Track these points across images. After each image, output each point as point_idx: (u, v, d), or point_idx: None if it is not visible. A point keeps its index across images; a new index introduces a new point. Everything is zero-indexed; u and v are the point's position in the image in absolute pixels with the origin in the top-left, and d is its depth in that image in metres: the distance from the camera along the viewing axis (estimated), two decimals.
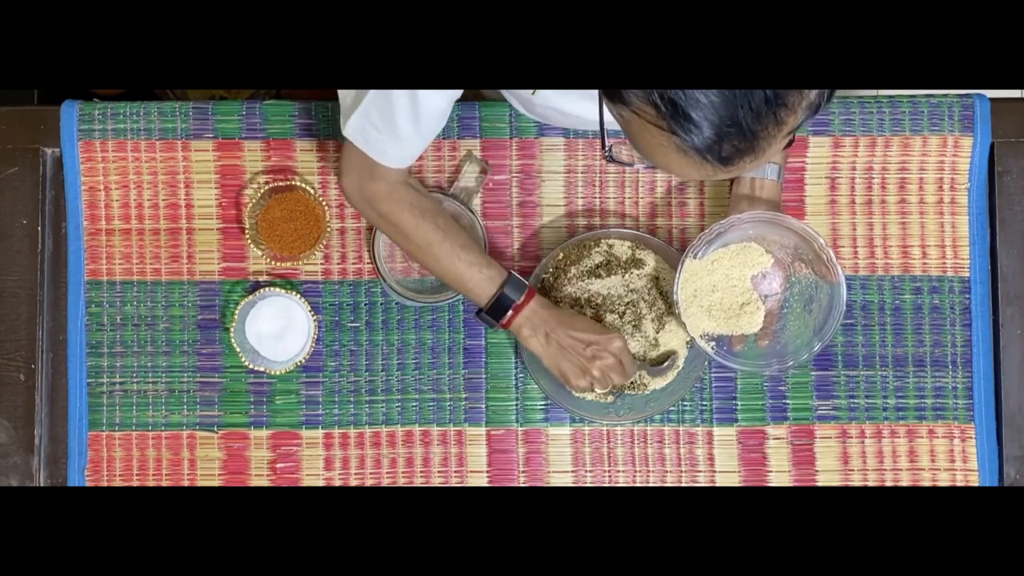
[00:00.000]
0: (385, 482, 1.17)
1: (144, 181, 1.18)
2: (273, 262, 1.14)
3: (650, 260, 1.15)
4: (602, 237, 1.15)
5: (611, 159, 0.90)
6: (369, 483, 1.17)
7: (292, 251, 1.15)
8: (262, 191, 1.13)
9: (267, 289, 1.15)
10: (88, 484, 1.16)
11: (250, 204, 1.13)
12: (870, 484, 1.18)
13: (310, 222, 1.14)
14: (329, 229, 1.15)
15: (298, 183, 1.13)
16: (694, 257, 1.09)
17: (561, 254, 1.14)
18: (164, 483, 1.17)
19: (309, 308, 1.15)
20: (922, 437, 1.18)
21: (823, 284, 1.10)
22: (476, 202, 1.18)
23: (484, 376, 1.18)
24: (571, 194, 1.19)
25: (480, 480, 1.17)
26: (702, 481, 1.18)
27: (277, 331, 1.14)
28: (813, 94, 0.78)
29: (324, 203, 1.14)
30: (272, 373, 1.15)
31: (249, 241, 1.14)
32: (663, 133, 0.76)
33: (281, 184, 1.13)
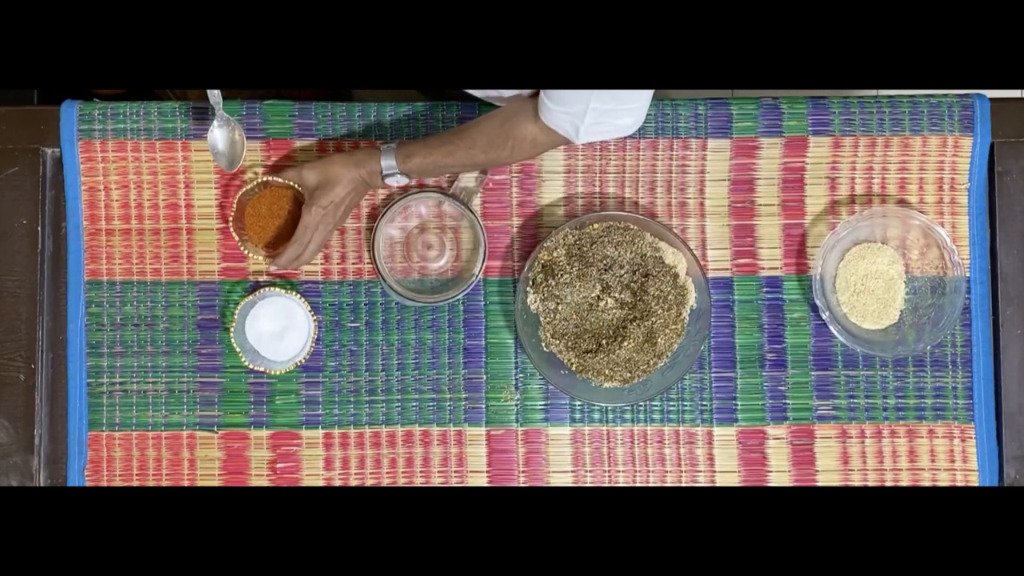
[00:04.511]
0: (385, 482, 1.17)
1: (144, 181, 1.18)
2: (244, 248, 1.12)
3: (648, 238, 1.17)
4: (598, 220, 1.16)
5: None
6: (369, 483, 1.17)
7: (268, 246, 1.14)
8: (259, 180, 1.12)
9: (267, 289, 1.15)
10: (88, 484, 1.16)
11: (245, 188, 1.12)
12: (870, 484, 1.18)
13: (293, 225, 1.12)
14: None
15: (297, 187, 1.12)
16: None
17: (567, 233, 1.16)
18: (164, 483, 1.17)
19: (309, 308, 1.15)
20: (922, 437, 1.18)
21: (943, 278, 1.15)
22: (476, 202, 1.18)
23: (484, 376, 1.18)
24: (571, 194, 1.19)
25: (480, 480, 1.17)
26: (702, 481, 1.18)
27: (277, 331, 1.14)
28: None
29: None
30: (272, 373, 1.15)
31: (231, 222, 1.12)
32: None
33: (279, 182, 1.12)
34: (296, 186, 1.12)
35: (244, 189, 1.12)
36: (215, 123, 1.12)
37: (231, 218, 1.12)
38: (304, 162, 1.13)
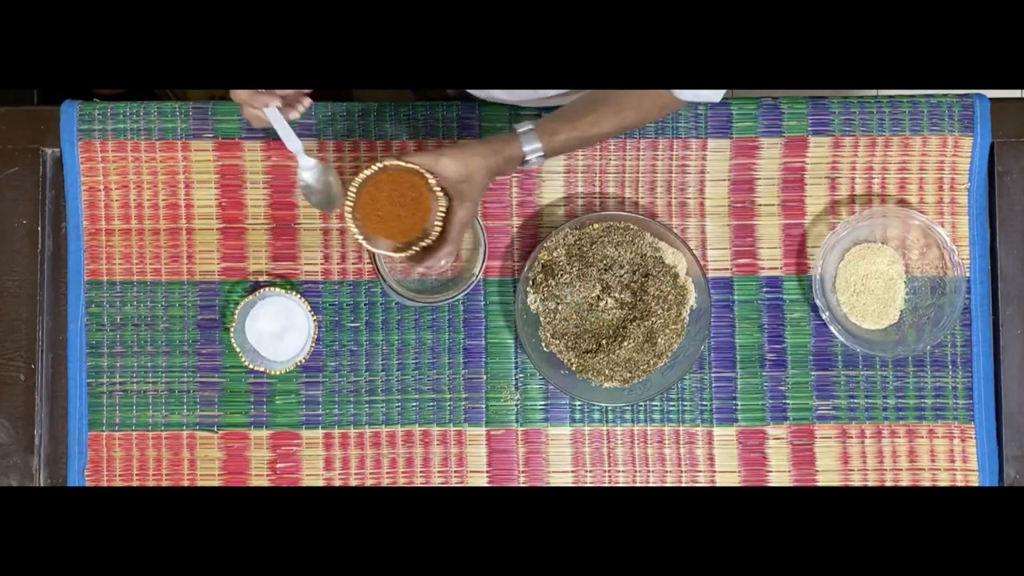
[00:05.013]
0: (385, 482, 1.17)
1: (144, 181, 1.18)
2: (367, 243, 0.99)
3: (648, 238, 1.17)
4: (598, 220, 1.16)
5: None
6: (369, 483, 1.17)
7: (388, 235, 1.00)
8: (379, 165, 0.99)
9: (267, 289, 1.15)
10: (88, 484, 1.16)
11: (363, 175, 0.99)
12: (870, 484, 1.18)
13: (417, 214, 0.99)
14: (433, 232, 1.00)
15: (419, 169, 0.99)
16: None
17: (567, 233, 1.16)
18: (164, 483, 1.17)
19: (309, 308, 1.15)
20: (922, 437, 1.18)
21: (943, 278, 1.16)
22: None
23: (484, 376, 1.18)
24: (571, 194, 1.19)
25: (480, 480, 1.17)
26: (702, 481, 1.18)
27: (277, 331, 1.14)
28: None
29: (440, 201, 0.99)
30: (272, 373, 1.15)
31: (351, 215, 0.99)
32: None
33: (402, 166, 0.99)
34: (426, 173, 0.99)
35: (362, 176, 0.99)
36: (304, 170, 1.07)
37: (350, 210, 0.98)
38: (437, 148, 1.02)
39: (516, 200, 1.19)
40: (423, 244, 0.99)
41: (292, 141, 1.05)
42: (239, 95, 1.02)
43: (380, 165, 0.99)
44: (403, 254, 0.99)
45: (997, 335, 1.19)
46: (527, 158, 1.03)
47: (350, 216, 0.98)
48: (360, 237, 0.99)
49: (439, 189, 0.99)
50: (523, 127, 1.04)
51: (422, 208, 0.99)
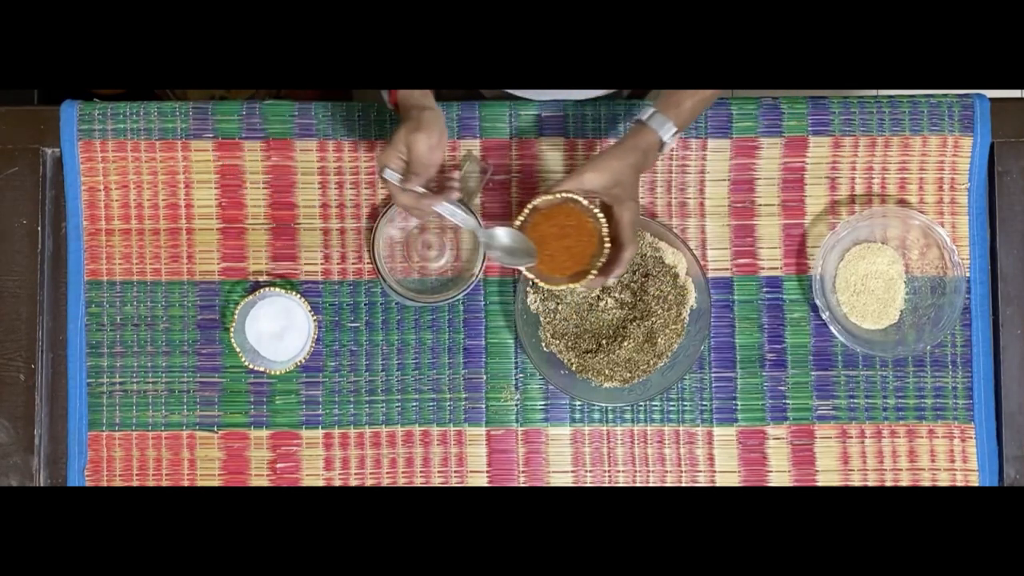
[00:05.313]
0: (385, 482, 1.17)
1: (144, 181, 1.18)
2: (539, 283, 1.03)
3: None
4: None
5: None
6: (369, 483, 1.17)
7: (563, 270, 1.02)
8: (528, 209, 1.02)
9: (267, 289, 1.15)
10: (88, 484, 1.16)
11: (518, 222, 1.02)
12: (870, 484, 1.18)
13: (583, 238, 1.02)
14: (606, 246, 1.02)
15: (569, 195, 1.01)
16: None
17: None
18: (164, 483, 1.17)
19: (309, 308, 1.15)
20: (922, 437, 1.18)
21: (943, 278, 1.16)
22: (476, 202, 1.18)
23: (484, 376, 1.18)
24: None
25: (480, 480, 1.17)
26: (702, 481, 1.18)
27: (277, 331, 1.14)
28: None
29: (599, 216, 1.01)
30: (272, 373, 1.15)
31: (538, 266, 1.01)
32: None
33: (548, 200, 1.02)
34: (576, 196, 1.01)
35: (519, 223, 1.02)
36: (496, 239, 1.04)
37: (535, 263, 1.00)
38: (573, 171, 1.01)
39: (516, 200, 1.19)
40: (602, 261, 1.01)
41: (469, 221, 1.04)
42: (404, 202, 1.01)
43: (529, 209, 1.01)
44: (589, 279, 1.01)
45: (997, 335, 1.19)
46: (664, 140, 1.03)
47: (524, 268, 1.01)
48: (541, 283, 1.01)
49: (593, 206, 1.01)
50: (644, 113, 1.03)
51: (586, 231, 1.02)
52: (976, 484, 1.17)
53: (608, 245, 1.01)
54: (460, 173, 1.14)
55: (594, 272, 1.01)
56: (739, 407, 1.18)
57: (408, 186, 0.99)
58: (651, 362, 1.15)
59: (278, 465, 1.17)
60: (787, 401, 1.18)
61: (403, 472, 1.17)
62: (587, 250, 1.02)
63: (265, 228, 1.18)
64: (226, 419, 1.17)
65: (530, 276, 1.02)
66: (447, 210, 1.02)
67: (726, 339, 1.18)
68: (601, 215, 1.02)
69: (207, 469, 1.17)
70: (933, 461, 1.18)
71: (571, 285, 1.01)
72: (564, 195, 1.00)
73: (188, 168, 1.18)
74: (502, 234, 1.03)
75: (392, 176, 0.99)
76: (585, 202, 1.01)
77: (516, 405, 1.18)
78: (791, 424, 1.18)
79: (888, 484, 1.18)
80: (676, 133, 1.04)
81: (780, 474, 1.18)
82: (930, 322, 1.16)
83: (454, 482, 1.17)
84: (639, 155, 1.02)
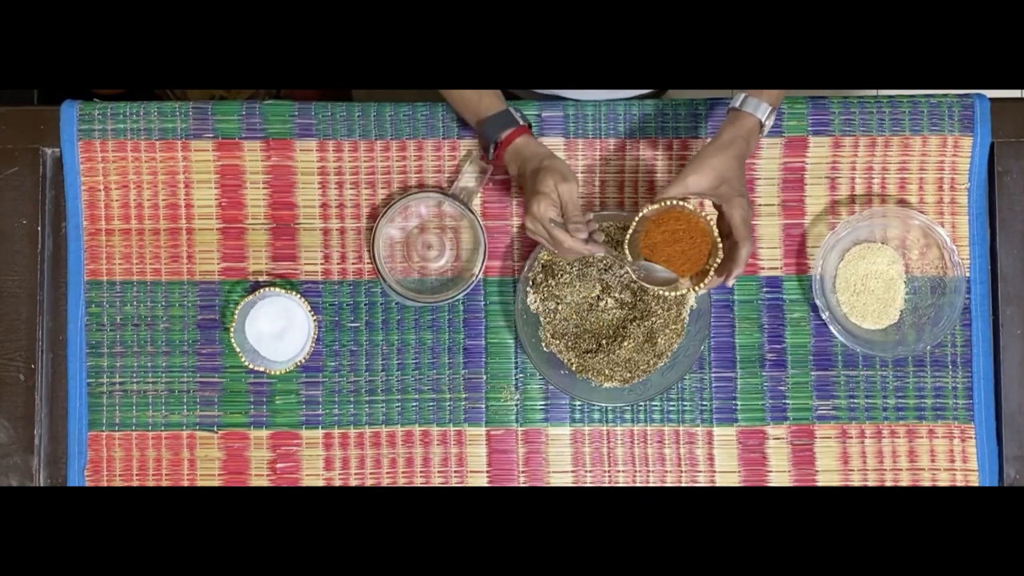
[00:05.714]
0: (385, 482, 1.17)
1: (144, 181, 1.18)
2: (667, 292, 1.04)
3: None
4: (598, 220, 1.16)
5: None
6: (369, 483, 1.17)
7: (682, 273, 1.03)
8: (638, 217, 1.03)
9: (267, 289, 1.15)
10: (88, 484, 1.16)
11: (629, 234, 1.03)
12: (870, 484, 1.18)
13: (696, 239, 1.02)
14: (719, 245, 1.02)
15: (673, 203, 1.01)
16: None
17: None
18: (164, 483, 1.17)
19: (309, 308, 1.15)
20: (922, 437, 1.18)
21: (943, 278, 1.16)
22: (476, 202, 1.18)
23: (484, 376, 1.18)
24: None
25: (480, 480, 1.17)
26: (702, 481, 1.18)
27: (277, 331, 1.14)
28: None
29: (707, 217, 1.02)
30: (272, 373, 1.15)
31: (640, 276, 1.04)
32: None
33: (655, 208, 1.02)
34: (685, 204, 1.01)
35: (628, 237, 1.03)
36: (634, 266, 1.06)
37: (644, 275, 1.03)
38: (676, 176, 1.01)
39: (516, 200, 1.19)
40: (718, 260, 1.01)
41: (626, 259, 1.04)
42: (572, 247, 1.01)
43: (638, 218, 1.02)
44: (708, 280, 1.01)
45: (997, 335, 1.19)
46: (763, 120, 1.03)
47: (644, 281, 1.02)
48: (665, 292, 1.03)
49: (701, 208, 1.01)
50: (736, 100, 1.03)
51: (699, 232, 1.02)
52: (976, 484, 1.17)
53: (720, 244, 1.02)
54: (460, 173, 1.14)
55: (711, 276, 1.01)
56: (739, 407, 1.18)
57: (579, 235, 1.01)
58: (651, 362, 1.15)
59: (278, 465, 1.17)
60: (787, 401, 1.18)
61: (403, 472, 1.17)
62: (703, 250, 1.02)
63: (265, 228, 1.18)
64: (226, 419, 1.17)
65: (650, 286, 1.03)
66: (606, 251, 1.04)
67: (726, 339, 1.18)
68: (707, 215, 1.02)
69: (207, 469, 1.17)
70: (933, 461, 1.18)
71: (695, 290, 1.02)
72: (669, 202, 1.00)
73: (188, 168, 1.18)
74: (654, 267, 1.04)
75: (558, 227, 1.00)
76: (691, 206, 1.01)
77: (516, 405, 1.18)
78: (791, 424, 1.18)
79: (888, 484, 1.18)
80: (772, 111, 1.03)
81: (780, 474, 1.18)
82: (930, 322, 1.16)
83: (454, 482, 1.17)
84: (741, 144, 1.01)
